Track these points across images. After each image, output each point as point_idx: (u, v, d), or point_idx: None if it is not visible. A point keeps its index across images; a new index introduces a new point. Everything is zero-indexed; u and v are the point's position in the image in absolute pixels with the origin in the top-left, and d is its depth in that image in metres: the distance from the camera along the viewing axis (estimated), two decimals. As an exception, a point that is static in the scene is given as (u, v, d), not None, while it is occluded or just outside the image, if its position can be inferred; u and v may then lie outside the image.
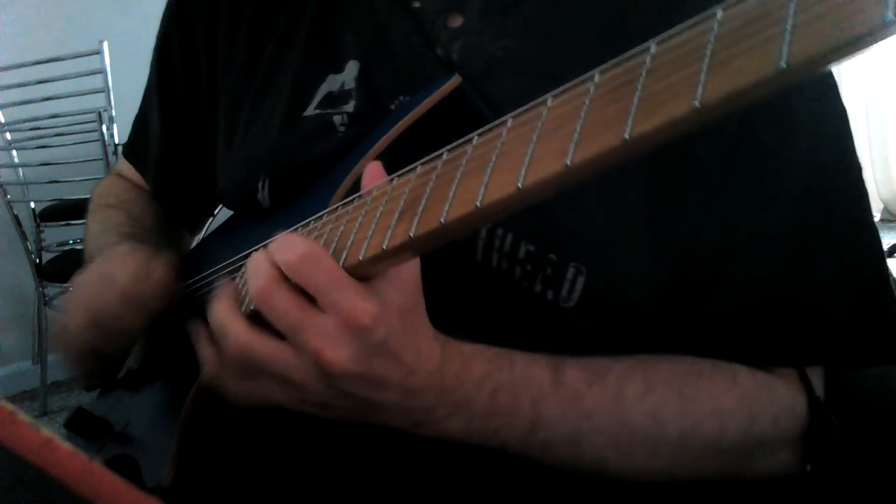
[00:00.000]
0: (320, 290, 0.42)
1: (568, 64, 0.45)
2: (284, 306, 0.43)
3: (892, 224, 3.63)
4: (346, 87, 0.59)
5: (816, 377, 0.55)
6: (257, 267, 0.45)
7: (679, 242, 0.52)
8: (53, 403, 2.54)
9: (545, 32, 0.56)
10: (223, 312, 0.48)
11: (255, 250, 0.57)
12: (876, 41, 0.26)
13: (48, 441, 0.23)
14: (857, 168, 0.54)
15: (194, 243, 0.87)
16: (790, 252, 0.52)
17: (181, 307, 0.64)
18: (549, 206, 0.51)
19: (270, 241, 0.56)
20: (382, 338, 0.42)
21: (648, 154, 0.51)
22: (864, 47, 0.26)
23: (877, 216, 3.57)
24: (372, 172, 0.47)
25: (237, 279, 0.58)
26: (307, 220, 0.52)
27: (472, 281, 0.50)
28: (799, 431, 0.54)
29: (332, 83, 0.60)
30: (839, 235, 0.53)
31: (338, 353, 0.42)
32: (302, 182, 0.59)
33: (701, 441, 0.51)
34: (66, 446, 0.23)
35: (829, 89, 0.54)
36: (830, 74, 0.54)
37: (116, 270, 0.61)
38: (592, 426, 0.50)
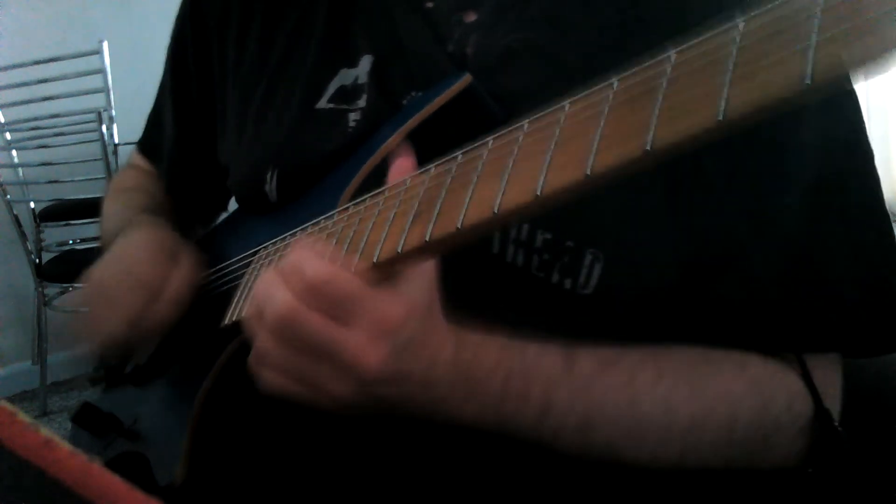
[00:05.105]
0: (342, 308, 0.42)
1: (583, 53, 0.45)
2: (311, 329, 0.42)
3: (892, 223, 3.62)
4: (360, 82, 0.60)
5: (832, 371, 0.55)
6: (271, 294, 0.43)
7: (695, 231, 0.52)
8: (53, 403, 2.54)
9: (559, 23, 0.56)
10: (269, 281, 0.46)
11: (264, 247, 0.56)
12: None
13: (48, 441, 0.23)
14: (869, 155, 0.54)
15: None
16: (801, 238, 0.52)
17: (189, 304, 0.64)
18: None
19: (272, 243, 0.55)
20: (409, 335, 0.43)
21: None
22: (890, 62, 0.26)
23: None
24: (400, 167, 0.46)
25: (244, 281, 0.58)
26: (318, 220, 0.52)
27: (488, 275, 0.50)
28: (810, 418, 0.54)
29: (344, 77, 0.60)
30: (851, 222, 0.53)
31: (372, 359, 0.42)
32: (310, 176, 0.59)
33: (713, 427, 0.52)
34: (66, 446, 0.23)
35: None
36: None
37: (139, 260, 0.62)
38: (604, 413, 0.50)
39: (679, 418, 0.51)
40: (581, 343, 0.52)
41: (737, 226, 0.52)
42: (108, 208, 0.80)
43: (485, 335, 0.49)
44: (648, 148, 0.31)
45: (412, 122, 0.53)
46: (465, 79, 0.53)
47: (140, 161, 0.86)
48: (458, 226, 0.39)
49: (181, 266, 0.63)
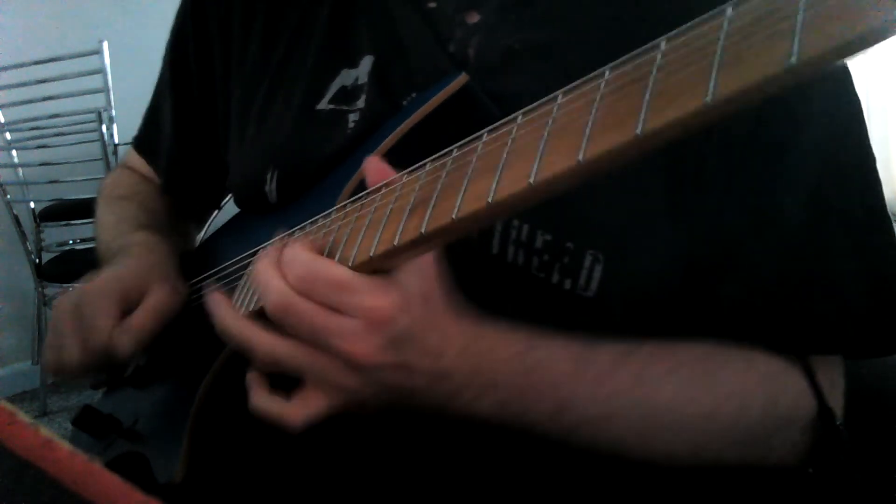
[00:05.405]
0: (333, 299, 0.43)
1: (585, 54, 0.45)
2: (302, 317, 0.43)
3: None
4: (360, 82, 0.60)
5: (834, 370, 0.55)
6: (267, 283, 0.45)
7: (697, 231, 0.52)
8: (53, 404, 2.54)
9: (561, 23, 0.56)
10: (238, 326, 0.48)
11: (263, 247, 0.57)
12: (888, 36, 0.26)
13: (48, 441, 0.23)
14: (870, 157, 0.54)
15: (200, 235, 0.87)
16: (803, 240, 0.52)
17: (188, 305, 0.64)
18: (565, 195, 0.52)
19: (271, 243, 0.56)
20: (406, 326, 0.43)
21: (665, 147, 0.51)
22: (875, 42, 0.26)
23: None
24: (373, 168, 0.47)
25: (242, 282, 0.58)
26: (315, 218, 0.52)
27: (488, 276, 0.50)
28: (813, 416, 0.54)
29: (345, 77, 0.60)
30: (852, 224, 0.53)
31: (363, 347, 0.43)
32: (310, 177, 0.59)
33: (724, 420, 0.52)
34: (66, 446, 0.23)
35: (845, 79, 0.54)
36: (845, 65, 0.54)
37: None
38: (619, 405, 0.50)
39: (693, 411, 0.51)
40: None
41: (738, 227, 0.52)
42: (103, 217, 0.79)
43: (504, 327, 0.49)
44: (639, 133, 0.32)
45: (409, 123, 0.53)
46: (461, 78, 0.53)
47: (135, 160, 0.86)
48: (454, 217, 0.39)
49: (164, 282, 0.63)
